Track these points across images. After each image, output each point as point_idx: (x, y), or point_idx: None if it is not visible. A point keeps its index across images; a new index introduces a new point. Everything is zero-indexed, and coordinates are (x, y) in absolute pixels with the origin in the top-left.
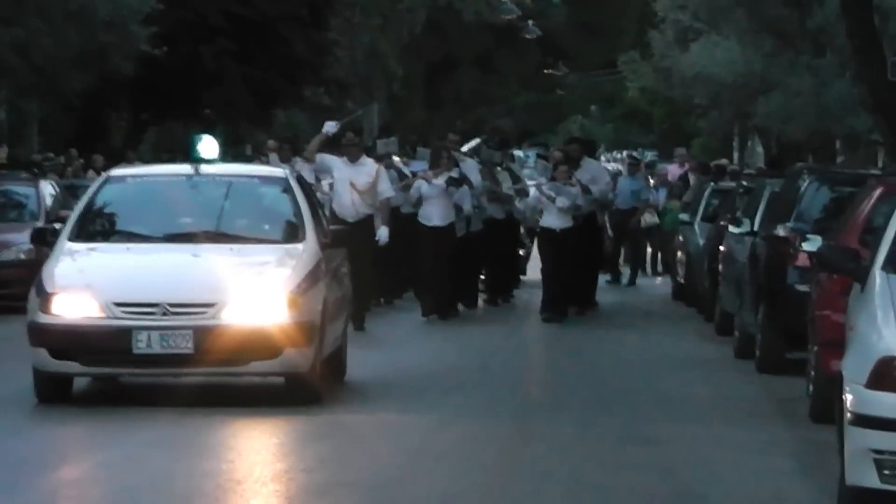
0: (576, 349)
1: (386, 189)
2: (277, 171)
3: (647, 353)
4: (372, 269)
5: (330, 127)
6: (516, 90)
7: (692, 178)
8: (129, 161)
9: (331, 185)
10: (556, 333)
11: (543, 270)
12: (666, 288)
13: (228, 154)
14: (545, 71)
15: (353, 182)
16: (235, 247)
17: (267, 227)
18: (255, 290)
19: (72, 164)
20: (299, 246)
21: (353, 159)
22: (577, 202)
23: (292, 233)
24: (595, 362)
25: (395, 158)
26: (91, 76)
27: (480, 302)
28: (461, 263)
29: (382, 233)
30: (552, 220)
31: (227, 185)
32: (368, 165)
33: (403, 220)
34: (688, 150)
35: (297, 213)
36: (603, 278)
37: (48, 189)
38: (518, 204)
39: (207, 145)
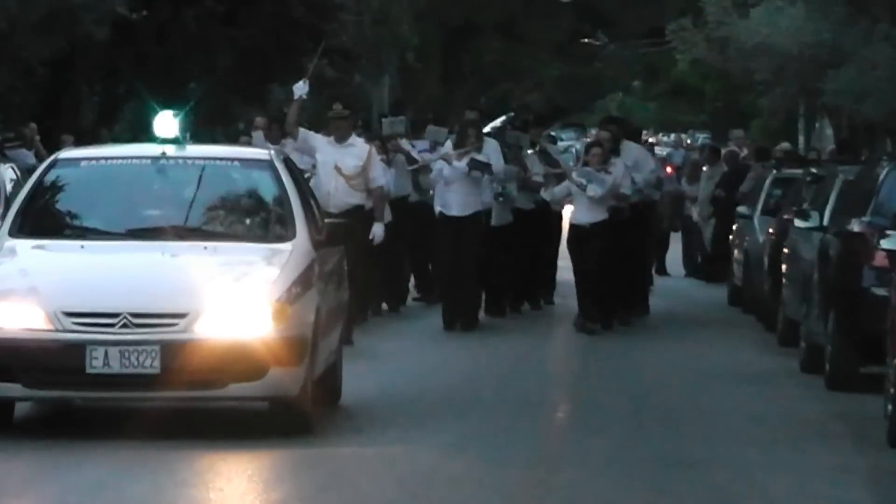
0: (614, 362)
1: (378, 176)
2: (261, 153)
3: (698, 365)
4: (366, 270)
5: (300, 89)
6: (547, 62)
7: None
8: (102, 142)
9: (314, 168)
10: (592, 344)
11: (575, 272)
12: (721, 291)
13: (219, 134)
14: (581, 40)
15: (338, 166)
16: (211, 245)
17: (248, 220)
18: (235, 298)
19: (30, 142)
20: (287, 244)
21: (341, 138)
22: (624, 191)
23: (279, 228)
24: (636, 376)
25: (404, 140)
26: (58, 42)
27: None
28: (485, 262)
29: (377, 230)
30: (581, 212)
31: (200, 169)
32: (358, 146)
33: (411, 211)
34: (745, 132)
35: (285, 203)
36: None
37: (8, 174)
38: (544, 193)
39: (163, 122)
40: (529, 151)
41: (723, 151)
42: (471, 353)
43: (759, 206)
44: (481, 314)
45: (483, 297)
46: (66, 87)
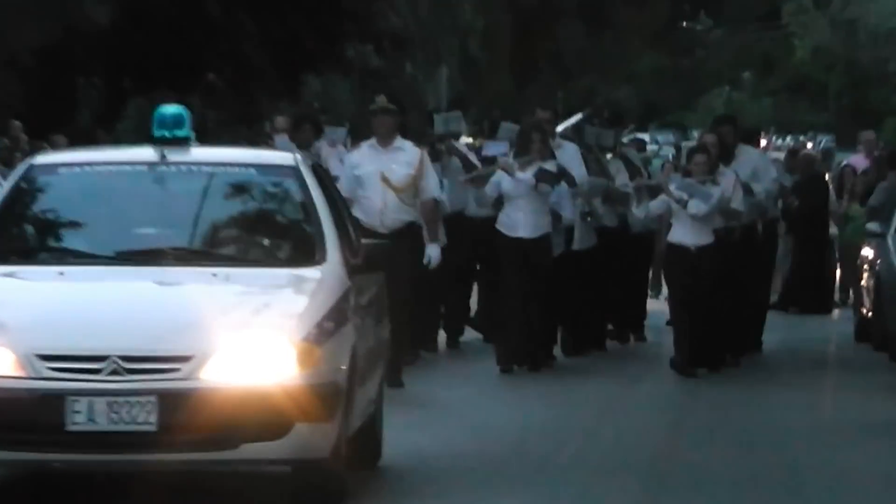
0: (720, 411)
1: (432, 186)
2: (284, 158)
3: (820, 415)
4: (416, 299)
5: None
6: (639, 51)
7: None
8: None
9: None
10: (693, 390)
11: (671, 304)
12: (847, 324)
13: (241, 136)
14: (680, 25)
15: (385, 175)
16: (221, 271)
17: (268, 241)
18: (251, 337)
19: (17, 144)
20: (316, 270)
21: (386, 140)
22: (735, 207)
23: (306, 250)
24: (746, 429)
25: (462, 141)
26: (53, 26)
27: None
28: (558, 291)
29: (432, 252)
30: (683, 233)
31: (208, 178)
32: (408, 150)
33: (472, 227)
34: (877, 133)
35: (314, 219)
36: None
37: None
38: (635, 210)
39: (169, 118)
40: (609, 156)
41: (799, 153)
42: (545, 401)
43: (894, 224)
44: (558, 353)
45: (559, 332)
46: (59, 80)
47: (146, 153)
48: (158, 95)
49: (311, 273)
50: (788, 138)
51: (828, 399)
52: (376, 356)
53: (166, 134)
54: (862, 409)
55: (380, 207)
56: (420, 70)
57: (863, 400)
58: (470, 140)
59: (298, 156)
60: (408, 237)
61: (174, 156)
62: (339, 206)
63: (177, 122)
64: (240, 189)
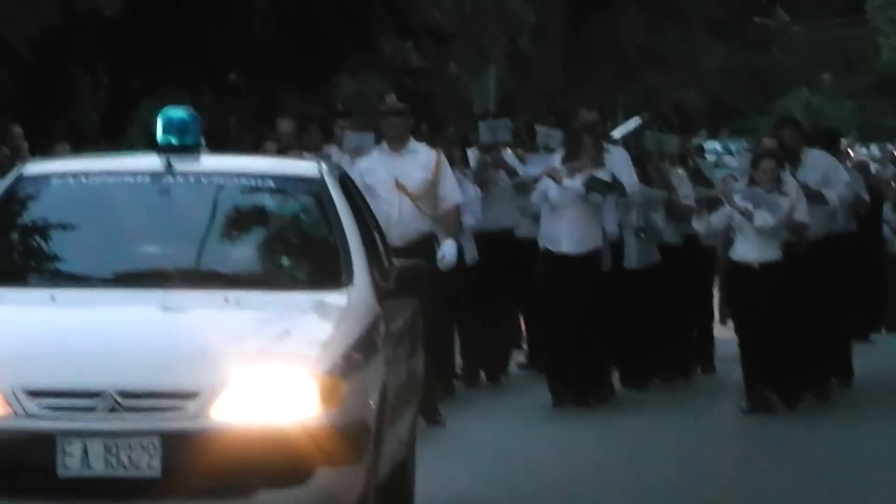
0: (800, 452)
1: (452, 191)
2: (307, 168)
3: None
4: (448, 321)
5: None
6: (708, 48)
7: None
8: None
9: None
10: (767, 428)
11: (739, 329)
12: None
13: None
14: (753, 19)
15: (400, 181)
16: (234, 295)
17: (287, 261)
18: (267, 370)
19: (18, 153)
20: (342, 295)
21: (397, 143)
22: (798, 218)
23: (330, 272)
24: (832, 472)
25: (509, 151)
26: (51, 16)
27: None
28: (613, 315)
29: (447, 249)
30: (747, 248)
31: (219, 190)
32: (423, 154)
33: (519, 249)
34: None
35: (339, 237)
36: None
37: None
38: (696, 223)
39: (175, 121)
40: (680, 170)
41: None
42: (598, 439)
43: None
44: (616, 384)
45: (614, 362)
46: (61, 78)
47: (149, 162)
48: (171, 96)
49: (337, 297)
50: (873, 146)
51: None
52: (409, 392)
53: (172, 140)
54: None
55: (394, 217)
56: (465, 69)
57: None
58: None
59: (325, 165)
60: (428, 251)
61: (181, 165)
62: (369, 223)
63: (184, 126)
64: (255, 202)
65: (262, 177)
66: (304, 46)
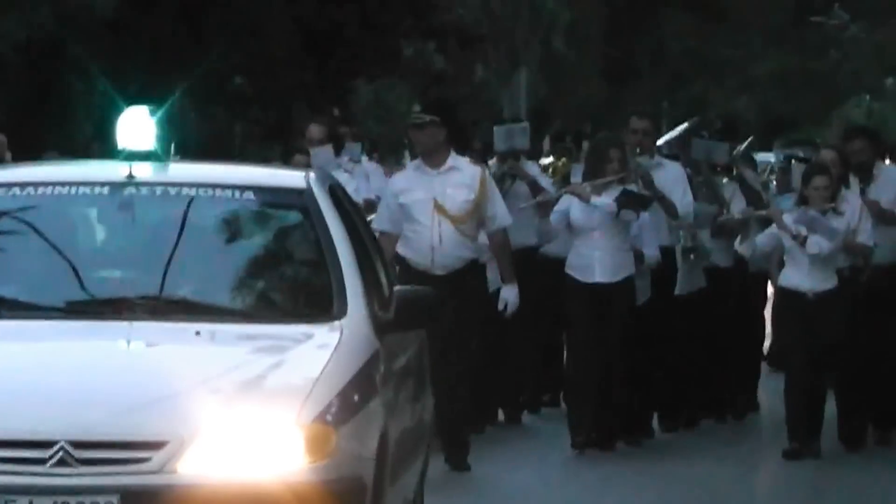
0: (860, 500)
1: (501, 213)
2: (292, 178)
3: None
4: (481, 360)
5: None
6: (761, 52)
7: None
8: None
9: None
10: (822, 473)
11: (786, 366)
12: None
13: (276, 153)
14: (809, 20)
15: (439, 202)
16: (206, 328)
17: (269, 289)
18: (244, 417)
19: (1, 161)
20: (334, 327)
21: (434, 159)
22: (862, 241)
23: (320, 301)
24: None
25: (530, 163)
26: (41, 16)
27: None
28: (647, 352)
29: (509, 295)
30: (799, 275)
31: (191, 204)
32: (465, 171)
33: (546, 267)
34: None
35: (331, 260)
36: None
37: None
38: (738, 245)
39: (137, 126)
40: (725, 180)
41: None
42: (635, 487)
43: None
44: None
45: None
46: (52, 83)
47: (109, 171)
48: (174, 103)
49: (327, 331)
50: None
51: None
52: (415, 441)
53: (133, 148)
54: None
55: (433, 243)
56: (493, 73)
57: None
58: (550, 160)
59: (313, 176)
60: (471, 280)
61: (145, 174)
62: (367, 242)
63: (147, 130)
64: (232, 218)
65: (240, 188)
66: (320, 49)
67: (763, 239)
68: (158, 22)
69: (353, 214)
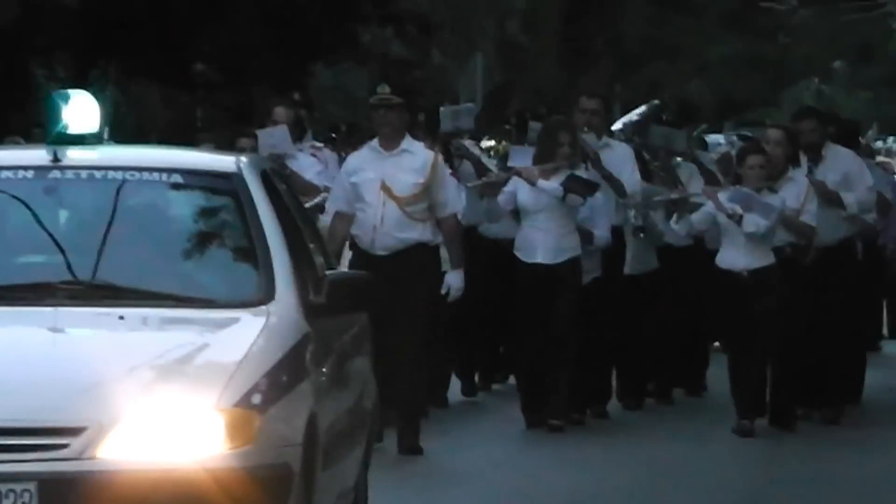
0: (809, 472)
1: (451, 198)
2: (222, 163)
3: None
4: (429, 341)
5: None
6: (713, 36)
7: None
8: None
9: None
10: (775, 448)
11: (726, 346)
12: None
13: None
14: (760, 3)
15: (386, 183)
16: (130, 313)
17: (195, 273)
18: (165, 403)
19: None
20: (260, 312)
21: (390, 141)
22: (806, 220)
23: (246, 284)
24: (844, 485)
25: (471, 143)
26: (10, 9)
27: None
28: (600, 333)
29: (454, 280)
30: (734, 255)
31: (117, 187)
32: (418, 154)
33: (485, 250)
34: None
35: (259, 243)
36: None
37: None
38: (674, 224)
39: (79, 109)
40: (678, 158)
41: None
42: (585, 466)
43: None
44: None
45: (609, 379)
46: (14, 69)
47: (35, 154)
48: (137, 88)
49: (253, 315)
50: (891, 140)
51: None
52: (354, 427)
53: (63, 130)
54: None
55: (376, 223)
56: (450, 59)
57: None
58: (492, 143)
59: (244, 160)
60: (415, 262)
61: (71, 157)
62: (302, 228)
63: (77, 113)
64: (159, 202)
65: (168, 171)
66: (282, 37)
67: (699, 217)
68: (124, 11)
69: (288, 199)
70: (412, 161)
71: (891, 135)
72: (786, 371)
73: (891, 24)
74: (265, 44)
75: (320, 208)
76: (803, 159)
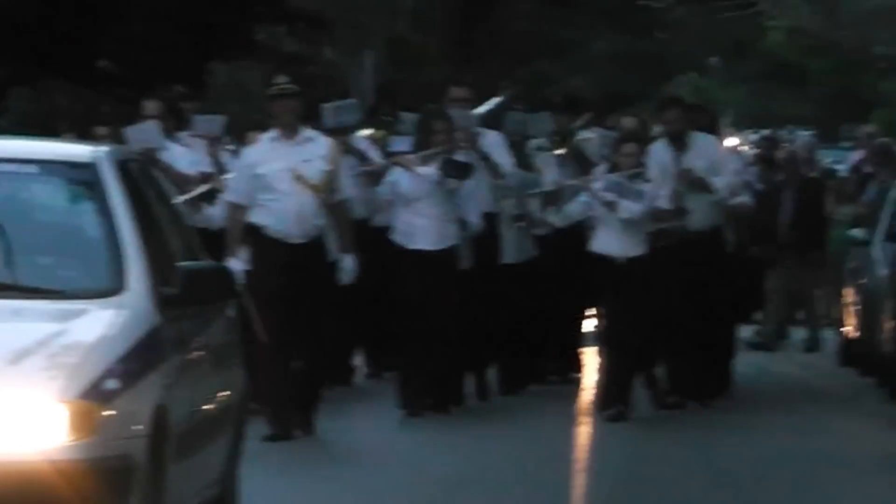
0: (689, 449)
1: (345, 185)
2: (78, 153)
3: (803, 449)
4: (329, 326)
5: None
6: (595, 32)
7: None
8: None
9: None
10: (657, 427)
11: (600, 334)
12: (829, 347)
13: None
14: (638, 2)
15: (298, 172)
16: None
17: (41, 263)
18: (7, 395)
19: None
20: (108, 302)
21: (290, 129)
22: (661, 205)
23: (95, 275)
24: (723, 466)
25: (364, 134)
26: None
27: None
28: (472, 317)
29: (347, 264)
30: (610, 241)
31: None
32: (319, 142)
33: (372, 240)
34: (863, 126)
35: (110, 234)
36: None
37: None
38: (551, 214)
39: None
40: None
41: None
42: (467, 448)
43: (883, 230)
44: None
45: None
46: None
47: None
48: (46, 86)
49: (102, 306)
50: (767, 133)
51: (812, 430)
52: (216, 418)
53: None
54: (850, 442)
55: (297, 211)
56: (341, 55)
57: (851, 431)
58: (370, 131)
59: (101, 150)
60: (327, 247)
61: None
62: (163, 219)
63: None
64: (9, 191)
65: (22, 161)
66: (180, 33)
67: (575, 206)
68: (26, 9)
69: (150, 190)
70: (317, 148)
71: (765, 128)
72: (660, 356)
73: (762, 20)
74: (165, 41)
75: (205, 197)
76: (668, 147)
